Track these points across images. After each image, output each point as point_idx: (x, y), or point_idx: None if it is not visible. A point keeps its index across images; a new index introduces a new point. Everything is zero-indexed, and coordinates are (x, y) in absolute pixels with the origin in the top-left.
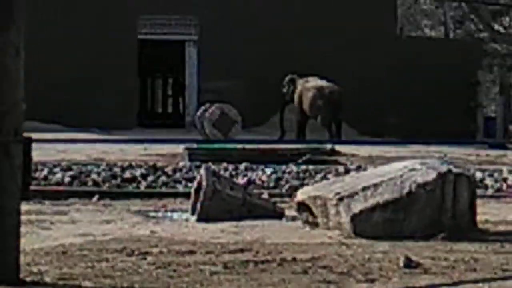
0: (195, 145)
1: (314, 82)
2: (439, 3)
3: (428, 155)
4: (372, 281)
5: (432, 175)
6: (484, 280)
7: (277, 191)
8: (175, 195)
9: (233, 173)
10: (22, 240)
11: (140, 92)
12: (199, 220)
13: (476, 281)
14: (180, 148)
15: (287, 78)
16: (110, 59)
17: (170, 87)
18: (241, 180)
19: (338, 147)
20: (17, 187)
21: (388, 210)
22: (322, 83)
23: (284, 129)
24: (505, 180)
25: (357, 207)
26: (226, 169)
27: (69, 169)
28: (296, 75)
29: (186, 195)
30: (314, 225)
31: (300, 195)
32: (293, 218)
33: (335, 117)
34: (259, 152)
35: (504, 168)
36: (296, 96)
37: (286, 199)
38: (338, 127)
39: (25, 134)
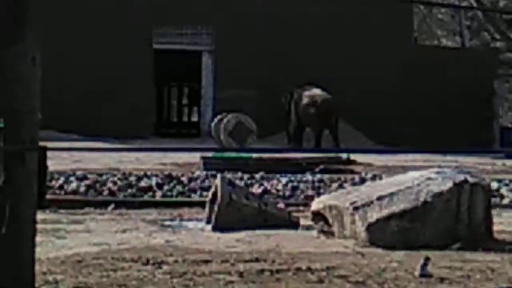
0: (210, 154)
1: (309, 91)
2: (455, 12)
3: (444, 165)
4: None
5: (448, 185)
6: None
7: (292, 200)
8: (191, 204)
9: (249, 182)
10: (38, 249)
11: (156, 101)
12: (214, 229)
13: None
14: (195, 157)
15: (286, 90)
16: (126, 68)
17: (185, 97)
18: (256, 189)
19: (353, 156)
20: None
21: (403, 219)
22: (316, 92)
23: (290, 138)
24: None
25: (372, 216)
26: (241, 179)
27: (85, 178)
28: (295, 85)
29: (202, 204)
30: (330, 234)
31: (316, 205)
32: (309, 228)
33: (326, 125)
34: (275, 161)
35: None
36: (292, 105)
37: (302, 208)
38: (334, 136)
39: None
